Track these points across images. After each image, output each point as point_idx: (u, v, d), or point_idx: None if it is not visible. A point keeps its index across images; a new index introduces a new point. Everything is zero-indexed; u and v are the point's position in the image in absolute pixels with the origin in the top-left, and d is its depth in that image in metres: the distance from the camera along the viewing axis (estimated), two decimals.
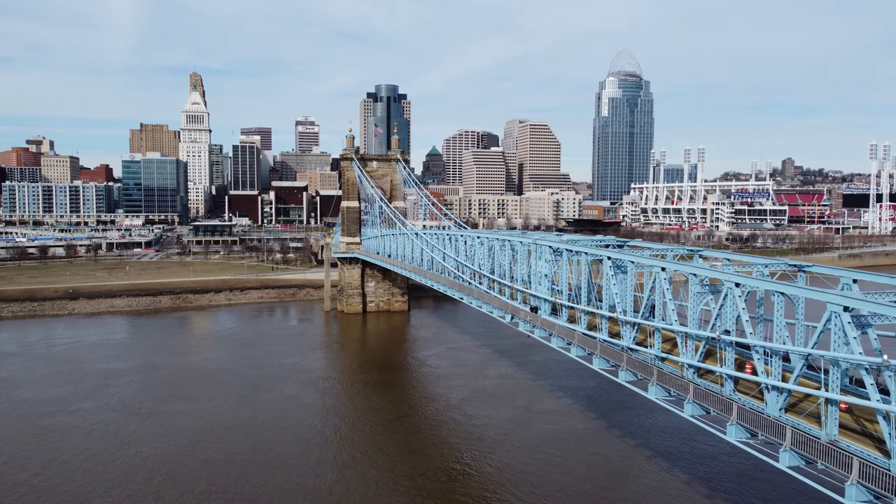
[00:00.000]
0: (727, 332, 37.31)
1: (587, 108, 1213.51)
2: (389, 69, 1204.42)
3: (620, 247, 60.55)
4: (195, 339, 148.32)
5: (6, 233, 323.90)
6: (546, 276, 59.54)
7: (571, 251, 56.17)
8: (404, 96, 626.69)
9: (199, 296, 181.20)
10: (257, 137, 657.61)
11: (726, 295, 37.18)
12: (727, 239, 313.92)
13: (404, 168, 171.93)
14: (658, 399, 41.92)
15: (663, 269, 42.90)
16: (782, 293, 34.03)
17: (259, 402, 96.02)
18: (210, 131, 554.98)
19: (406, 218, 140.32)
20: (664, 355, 43.86)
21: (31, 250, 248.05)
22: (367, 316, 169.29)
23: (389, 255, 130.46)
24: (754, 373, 39.86)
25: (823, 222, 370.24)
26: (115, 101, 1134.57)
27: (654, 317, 48.72)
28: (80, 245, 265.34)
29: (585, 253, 53.41)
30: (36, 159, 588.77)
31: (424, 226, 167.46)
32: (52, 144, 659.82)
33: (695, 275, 40.36)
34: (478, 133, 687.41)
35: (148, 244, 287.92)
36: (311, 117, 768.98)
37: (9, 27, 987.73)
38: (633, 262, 47.12)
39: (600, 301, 56.28)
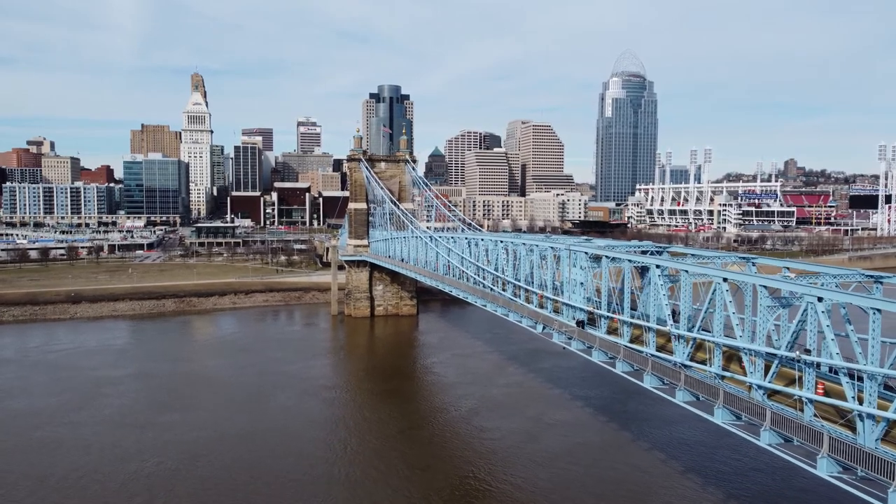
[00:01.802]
0: (807, 352, 33.84)
1: (588, 108, 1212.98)
2: (390, 69, 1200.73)
3: (659, 253, 56.90)
4: (197, 344, 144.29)
5: (7, 234, 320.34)
6: (582, 284, 55.95)
7: (611, 258, 52.60)
8: (407, 97, 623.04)
9: (204, 299, 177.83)
10: (259, 138, 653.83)
11: (806, 310, 33.68)
12: (735, 240, 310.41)
13: (413, 169, 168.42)
14: (725, 423, 38.31)
15: (724, 279, 39.38)
16: (877, 310, 30.55)
17: (263, 413, 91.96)
18: (212, 132, 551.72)
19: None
20: (728, 374, 40.28)
21: (32, 252, 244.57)
22: (375, 320, 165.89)
23: (403, 260, 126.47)
24: (826, 394, 36.40)
25: (830, 223, 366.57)
26: (116, 102, 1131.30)
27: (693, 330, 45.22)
28: (82, 247, 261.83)
29: (629, 260, 49.80)
30: (36, 160, 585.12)
31: (429, 227, 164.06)
32: (52, 145, 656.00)
33: (765, 287, 36.85)
34: (480, 134, 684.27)
35: (150, 246, 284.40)
36: (313, 118, 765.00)
37: (9, 27, 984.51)
38: (687, 271, 43.53)
39: (633, 310, 52.89)
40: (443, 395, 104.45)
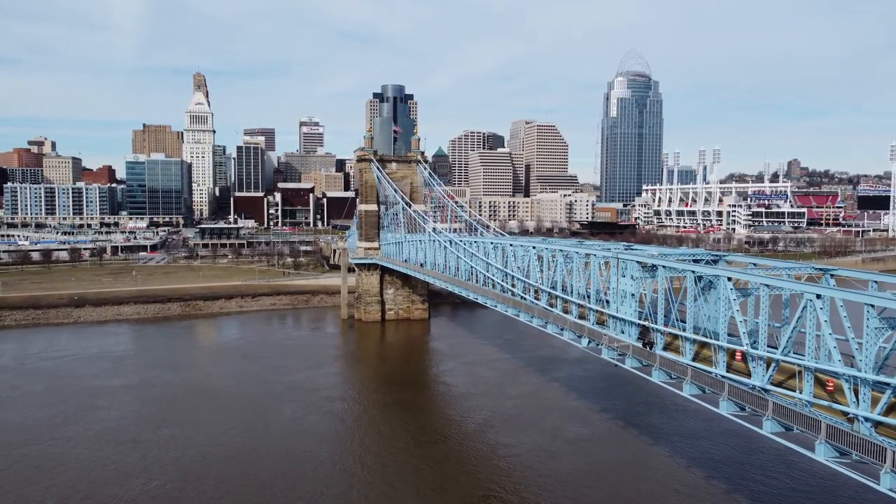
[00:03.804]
0: None
1: (588, 108, 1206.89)
2: (392, 70, 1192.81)
3: (715, 261, 52.65)
4: (200, 351, 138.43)
5: (8, 235, 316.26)
6: (633, 295, 51.62)
7: (667, 268, 48.28)
8: (411, 96, 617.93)
9: (210, 303, 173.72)
10: (261, 138, 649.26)
11: None
12: (747, 242, 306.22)
13: (425, 169, 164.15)
14: (828, 460, 33.98)
15: (818, 296, 35.15)
16: None
17: (267, 428, 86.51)
18: (214, 132, 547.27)
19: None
20: (823, 402, 35.95)
21: (33, 254, 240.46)
22: (386, 324, 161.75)
23: (422, 265, 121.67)
24: None
25: (839, 224, 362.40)
26: (117, 102, 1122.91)
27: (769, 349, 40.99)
28: (84, 248, 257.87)
29: (692, 271, 45.42)
30: (38, 160, 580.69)
31: (445, 229, 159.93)
32: (53, 145, 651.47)
33: (872, 306, 32.62)
34: (483, 134, 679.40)
35: (153, 247, 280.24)
36: (315, 118, 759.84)
37: (11, 28, 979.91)
38: (767, 285, 39.23)
39: (684, 324, 48.66)
40: (456, 406, 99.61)
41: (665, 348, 49.85)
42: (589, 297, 60.26)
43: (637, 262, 51.10)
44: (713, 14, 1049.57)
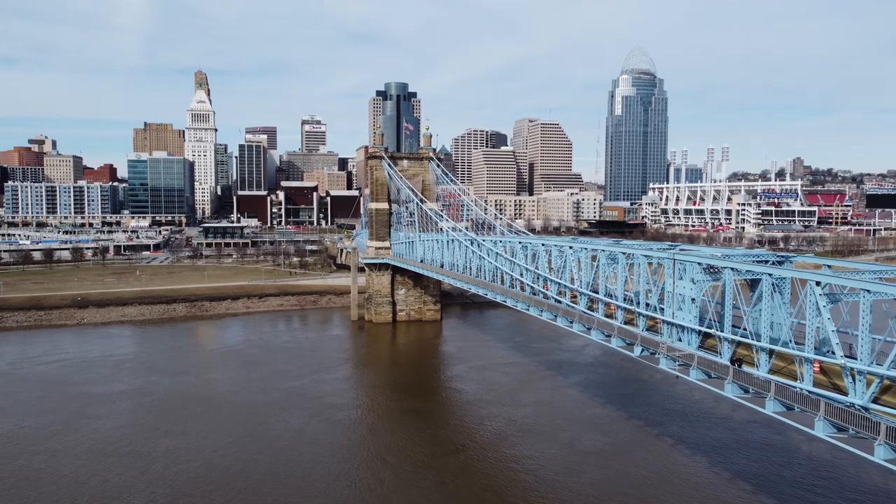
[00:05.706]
0: None
1: (589, 108, 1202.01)
2: (393, 70, 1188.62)
3: (780, 262, 48.24)
4: (204, 354, 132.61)
5: (9, 234, 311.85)
6: (693, 300, 47.19)
7: (736, 270, 43.87)
8: (414, 94, 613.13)
9: (216, 303, 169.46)
10: (263, 137, 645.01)
11: None
12: (758, 241, 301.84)
13: (438, 167, 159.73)
14: None
15: None
16: None
17: (268, 439, 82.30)
18: (216, 130, 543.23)
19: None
20: None
21: (35, 254, 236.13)
22: (398, 326, 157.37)
23: (442, 265, 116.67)
24: None
25: (847, 223, 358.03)
26: (119, 102, 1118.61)
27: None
28: (87, 248, 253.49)
29: (769, 274, 40.98)
30: (38, 159, 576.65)
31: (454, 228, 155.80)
32: (54, 144, 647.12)
33: None
34: (487, 132, 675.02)
35: (156, 247, 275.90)
36: (317, 116, 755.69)
37: (12, 28, 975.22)
38: (869, 290, 34.85)
39: (738, 328, 44.29)
40: (470, 414, 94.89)
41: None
42: (637, 301, 55.76)
43: (699, 263, 46.69)
44: (713, 14, 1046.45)
